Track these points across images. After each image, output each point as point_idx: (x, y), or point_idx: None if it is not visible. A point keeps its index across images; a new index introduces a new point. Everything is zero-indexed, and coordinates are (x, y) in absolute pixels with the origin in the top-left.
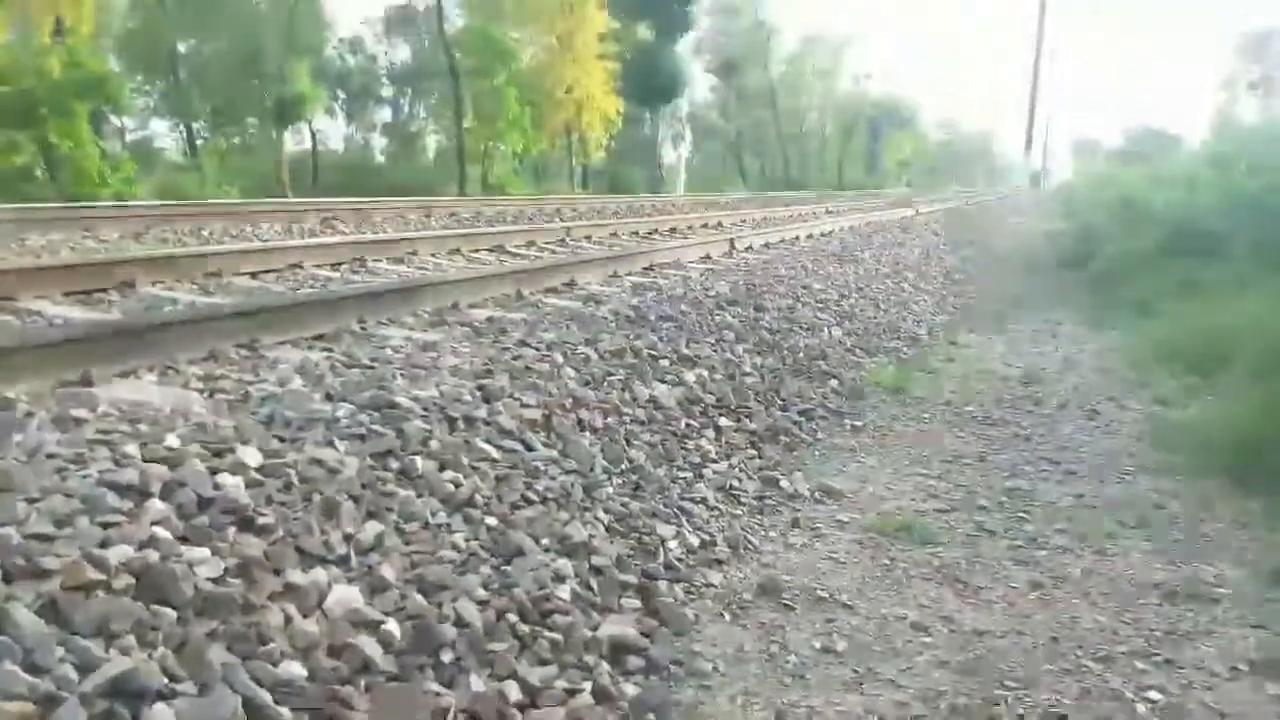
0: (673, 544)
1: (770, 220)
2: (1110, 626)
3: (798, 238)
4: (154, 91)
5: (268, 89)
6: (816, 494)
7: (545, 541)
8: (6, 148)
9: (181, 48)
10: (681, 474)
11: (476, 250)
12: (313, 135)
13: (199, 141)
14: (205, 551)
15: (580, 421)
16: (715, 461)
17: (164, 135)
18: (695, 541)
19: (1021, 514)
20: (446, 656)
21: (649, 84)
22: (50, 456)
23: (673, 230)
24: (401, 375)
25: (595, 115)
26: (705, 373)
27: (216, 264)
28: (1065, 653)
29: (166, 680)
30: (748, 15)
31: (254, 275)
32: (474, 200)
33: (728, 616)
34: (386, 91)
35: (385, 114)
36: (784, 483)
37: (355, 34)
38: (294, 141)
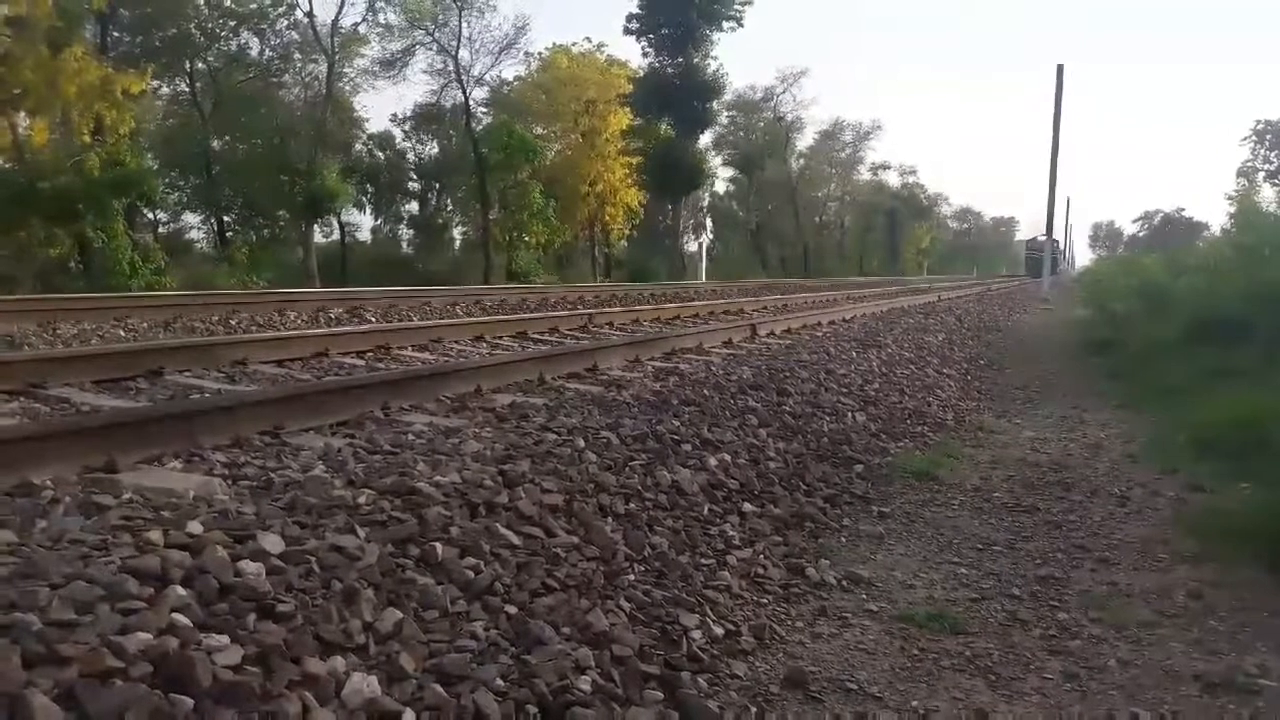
0: (696, 634)
1: (791, 307)
2: None
3: (819, 324)
4: (187, 186)
5: (298, 184)
6: (844, 582)
7: (566, 630)
8: (45, 241)
9: (215, 145)
10: (705, 561)
11: (500, 336)
12: (342, 228)
13: (229, 234)
14: (224, 639)
15: (602, 507)
16: (739, 548)
17: (195, 228)
18: (719, 631)
19: (1054, 602)
20: None
21: (671, 177)
22: (74, 542)
23: (695, 316)
24: (423, 461)
25: (618, 207)
26: (728, 457)
27: (243, 352)
28: None
29: None
30: (767, 111)
31: (280, 363)
32: (498, 289)
33: (754, 710)
34: (414, 185)
35: (412, 207)
36: (810, 570)
37: (385, 130)
38: (323, 234)
